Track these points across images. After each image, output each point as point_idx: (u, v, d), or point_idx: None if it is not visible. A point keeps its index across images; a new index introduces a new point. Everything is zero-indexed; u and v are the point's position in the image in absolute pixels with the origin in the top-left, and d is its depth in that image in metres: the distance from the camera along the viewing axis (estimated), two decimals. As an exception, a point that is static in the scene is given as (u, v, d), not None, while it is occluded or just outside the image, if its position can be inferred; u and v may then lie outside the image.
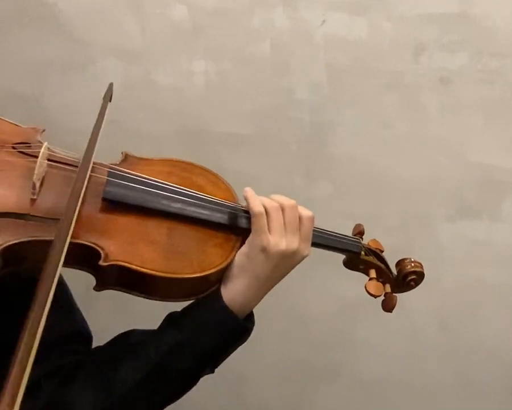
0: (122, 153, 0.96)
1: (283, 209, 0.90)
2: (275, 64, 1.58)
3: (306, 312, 1.78)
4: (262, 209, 0.88)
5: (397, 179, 1.65)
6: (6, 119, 0.93)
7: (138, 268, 0.82)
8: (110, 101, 0.96)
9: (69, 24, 1.58)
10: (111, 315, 1.64)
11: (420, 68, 1.55)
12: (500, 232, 1.67)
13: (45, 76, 1.64)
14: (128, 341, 0.92)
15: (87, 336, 0.98)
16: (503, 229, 1.67)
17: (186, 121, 1.65)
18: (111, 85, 0.99)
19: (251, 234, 0.88)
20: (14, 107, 1.60)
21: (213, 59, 1.59)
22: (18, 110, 1.60)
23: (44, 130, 0.93)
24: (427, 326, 1.78)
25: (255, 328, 0.93)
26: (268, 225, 0.88)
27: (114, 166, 0.91)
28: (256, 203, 0.89)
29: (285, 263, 0.89)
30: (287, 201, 0.90)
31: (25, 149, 0.87)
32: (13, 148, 0.87)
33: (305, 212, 0.91)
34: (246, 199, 0.91)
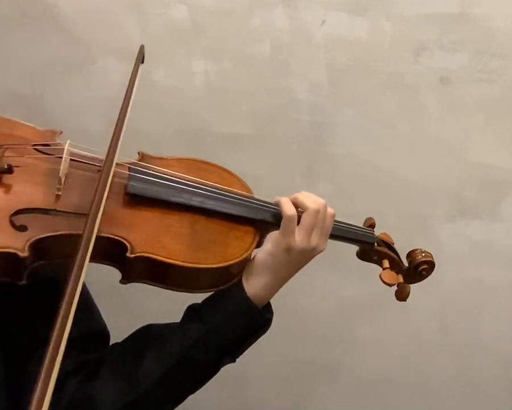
0: (138, 153, 0.99)
1: (317, 211, 0.92)
2: (275, 64, 1.58)
3: (306, 311, 1.78)
4: (295, 213, 0.90)
5: (397, 179, 1.65)
6: (25, 122, 0.95)
7: (164, 259, 0.85)
8: (143, 62, 1.00)
9: (69, 24, 1.58)
10: (111, 317, 1.64)
11: (420, 68, 1.55)
12: (500, 232, 1.67)
13: (45, 76, 1.64)
14: (149, 336, 0.93)
15: (106, 334, 0.99)
16: (503, 229, 1.67)
17: (186, 121, 1.65)
18: (142, 47, 1.02)
19: (278, 234, 0.91)
20: (14, 107, 1.60)
21: (213, 59, 1.59)
22: (18, 110, 1.59)
23: (61, 132, 0.96)
24: (427, 325, 1.78)
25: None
26: (298, 226, 0.91)
27: (134, 162, 0.95)
28: (289, 206, 0.91)
29: (303, 258, 0.93)
30: (318, 201, 0.92)
31: (45, 148, 0.91)
32: (34, 147, 0.90)
33: (328, 210, 0.94)
34: (278, 203, 0.93)
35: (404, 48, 1.54)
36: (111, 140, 0.85)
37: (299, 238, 0.90)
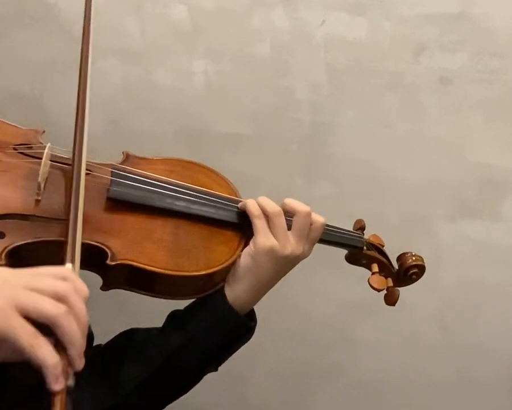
0: (123, 153, 0.96)
1: (296, 214, 0.90)
2: (275, 64, 1.58)
3: (306, 312, 1.78)
4: (258, 211, 0.89)
5: (397, 179, 1.65)
6: (6, 121, 0.93)
7: (145, 266, 0.82)
8: None
9: (69, 24, 1.58)
10: (108, 316, 1.64)
11: (420, 68, 1.55)
12: (500, 232, 1.67)
13: (45, 76, 1.64)
14: (131, 341, 0.92)
15: (90, 337, 0.97)
16: (503, 229, 1.67)
17: (186, 121, 1.65)
18: None
19: (254, 236, 0.89)
20: (14, 108, 1.60)
21: (213, 59, 1.59)
22: (18, 110, 1.60)
23: (44, 131, 0.94)
24: (427, 326, 1.78)
25: (255, 328, 0.94)
26: (271, 229, 0.89)
27: (116, 165, 0.92)
28: (251, 205, 0.90)
29: (288, 265, 0.91)
30: (300, 207, 0.91)
31: (27, 150, 0.88)
32: (15, 149, 0.88)
33: (317, 218, 0.92)
34: (243, 206, 0.91)
35: (404, 48, 1.54)
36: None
37: (278, 241, 0.88)
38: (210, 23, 1.56)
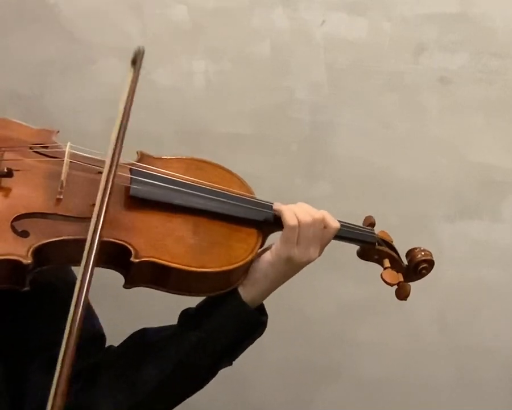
0: (137, 152, 0.97)
1: (310, 225, 0.92)
2: (275, 64, 1.58)
3: (307, 313, 1.78)
4: (297, 223, 0.90)
5: (397, 179, 1.65)
6: (18, 121, 0.93)
7: (168, 263, 0.84)
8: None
9: (69, 24, 1.58)
10: (113, 317, 1.64)
11: (420, 68, 1.55)
12: (500, 232, 1.67)
13: (45, 76, 1.64)
14: (145, 342, 0.93)
15: (103, 337, 0.99)
16: (503, 229, 1.67)
17: (186, 121, 1.65)
18: (139, 50, 0.93)
19: (279, 244, 0.91)
20: (14, 107, 1.60)
21: (213, 59, 1.59)
22: (18, 110, 1.60)
23: (58, 131, 0.94)
24: (427, 326, 1.78)
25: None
26: (296, 238, 0.91)
27: (135, 163, 0.92)
28: (291, 215, 0.91)
29: (299, 268, 0.94)
30: (316, 214, 0.92)
31: (44, 150, 0.89)
32: (32, 149, 0.89)
33: (332, 223, 0.94)
34: (279, 212, 0.92)
35: (404, 48, 1.54)
36: (114, 147, 0.82)
37: (299, 250, 0.90)
38: (210, 23, 1.56)
